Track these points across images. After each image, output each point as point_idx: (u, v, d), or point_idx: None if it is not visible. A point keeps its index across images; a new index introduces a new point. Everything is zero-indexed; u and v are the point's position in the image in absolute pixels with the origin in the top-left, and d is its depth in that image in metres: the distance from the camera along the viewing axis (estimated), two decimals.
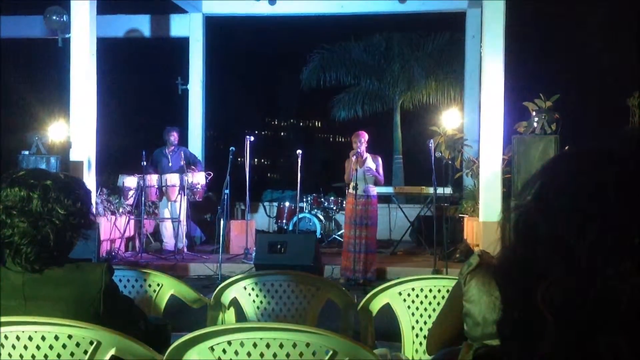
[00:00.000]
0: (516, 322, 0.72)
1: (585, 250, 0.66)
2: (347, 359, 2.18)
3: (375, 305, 3.48)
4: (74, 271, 2.20)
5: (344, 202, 8.68)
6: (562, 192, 0.71)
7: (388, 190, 11.71)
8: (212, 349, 2.20)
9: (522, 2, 10.88)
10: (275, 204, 12.74)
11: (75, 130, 8.92)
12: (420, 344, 3.37)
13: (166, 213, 10.37)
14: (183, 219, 10.21)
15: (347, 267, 8.31)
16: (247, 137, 9.84)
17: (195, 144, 12.21)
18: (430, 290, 3.40)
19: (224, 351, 2.20)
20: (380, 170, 8.38)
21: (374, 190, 8.40)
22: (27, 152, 8.98)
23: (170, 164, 10.44)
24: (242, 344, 2.20)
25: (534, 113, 8.53)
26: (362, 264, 8.22)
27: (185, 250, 10.08)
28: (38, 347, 2.18)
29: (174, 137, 10.57)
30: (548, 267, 0.69)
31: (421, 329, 3.39)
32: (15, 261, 2.14)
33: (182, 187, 10.01)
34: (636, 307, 0.63)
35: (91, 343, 2.18)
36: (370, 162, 8.27)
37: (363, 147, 8.27)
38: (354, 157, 8.21)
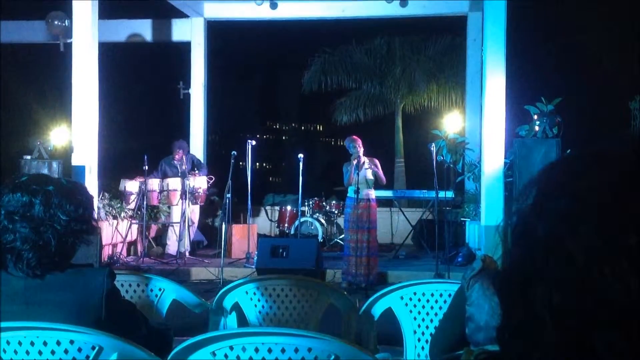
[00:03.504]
0: (515, 326, 0.73)
1: (582, 250, 0.66)
2: None
3: (377, 310, 3.48)
4: (75, 276, 2.20)
5: (345, 206, 8.65)
6: (558, 194, 0.71)
7: (387, 194, 11.72)
8: (213, 353, 2.20)
9: (523, 6, 10.89)
10: (277, 208, 12.75)
11: (77, 135, 8.93)
12: (423, 348, 3.36)
13: (176, 217, 10.37)
14: (188, 224, 10.19)
15: (350, 272, 8.30)
16: (249, 141, 9.87)
17: (197, 149, 12.21)
18: (432, 295, 3.39)
19: (226, 356, 2.20)
20: (381, 171, 8.42)
21: (373, 193, 8.44)
22: (29, 157, 9.00)
23: (180, 171, 10.38)
24: (244, 349, 2.20)
25: (535, 117, 8.54)
26: (364, 267, 8.22)
27: (187, 254, 10.09)
28: (40, 352, 2.18)
29: (178, 154, 10.45)
30: (546, 268, 0.69)
31: (423, 334, 3.38)
32: (17, 266, 2.14)
33: (183, 192, 10.01)
34: (634, 306, 0.64)
35: (93, 348, 2.18)
36: (367, 165, 8.29)
37: (362, 151, 8.29)
38: (355, 161, 8.22)
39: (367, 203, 8.29)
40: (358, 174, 8.13)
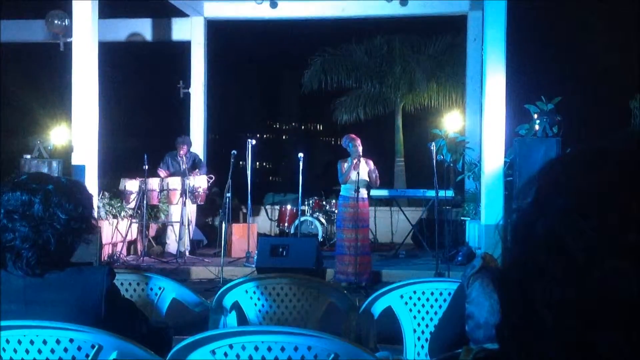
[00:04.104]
0: (515, 324, 0.72)
1: (582, 248, 0.66)
2: None
3: (377, 309, 3.48)
4: (75, 275, 2.20)
5: (339, 206, 8.61)
6: (559, 192, 0.71)
7: (387, 193, 11.73)
8: (213, 352, 2.20)
9: (523, 5, 10.89)
10: (277, 207, 12.74)
11: (77, 134, 8.93)
12: (422, 347, 3.36)
13: (175, 216, 10.36)
14: (186, 223, 10.19)
15: (347, 271, 8.29)
16: (249, 140, 9.87)
17: (198, 148, 12.21)
18: (432, 293, 3.39)
19: (226, 355, 2.20)
20: (376, 173, 8.43)
21: (366, 193, 8.44)
22: (29, 156, 9.00)
23: (182, 169, 10.40)
24: (243, 348, 2.20)
25: (535, 116, 8.54)
26: (363, 266, 8.22)
27: (187, 254, 10.08)
28: (40, 351, 2.18)
29: (182, 150, 10.48)
30: (546, 266, 0.69)
31: (423, 332, 3.38)
32: (16, 265, 2.14)
33: (183, 191, 10.01)
34: (635, 305, 0.63)
35: (93, 347, 2.18)
36: (364, 166, 8.29)
37: (361, 149, 8.29)
38: (356, 160, 8.21)
39: (362, 202, 8.29)
40: (358, 173, 8.13)
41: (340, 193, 8.54)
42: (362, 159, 8.29)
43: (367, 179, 8.33)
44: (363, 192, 8.29)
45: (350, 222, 8.28)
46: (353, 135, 8.46)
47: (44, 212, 2.13)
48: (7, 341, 2.17)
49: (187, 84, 12.47)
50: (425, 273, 8.18)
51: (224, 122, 22.52)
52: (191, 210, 10.41)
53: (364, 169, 8.27)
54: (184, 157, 10.45)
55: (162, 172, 10.35)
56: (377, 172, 8.41)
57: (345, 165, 8.32)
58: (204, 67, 12.49)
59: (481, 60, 10.10)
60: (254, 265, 8.81)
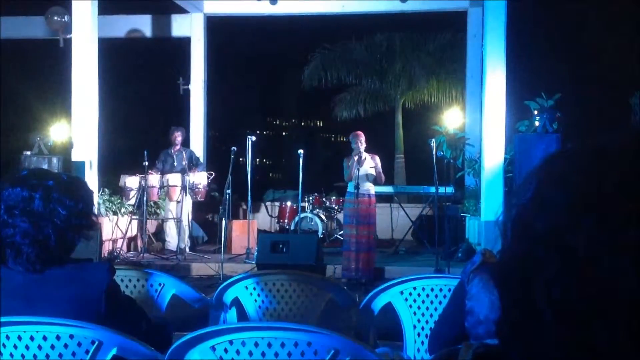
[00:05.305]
0: (515, 320, 0.72)
1: (582, 244, 0.66)
2: (349, 359, 2.18)
3: (377, 305, 3.48)
4: (75, 271, 2.20)
5: (345, 202, 8.64)
6: (559, 187, 0.71)
7: (387, 189, 11.73)
8: (213, 348, 2.20)
9: (523, 1, 10.88)
10: (277, 203, 12.74)
11: (76, 130, 8.92)
12: (422, 343, 3.36)
13: (170, 213, 10.35)
14: (186, 219, 10.19)
15: (350, 267, 8.30)
16: (249, 137, 9.86)
17: (197, 144, 12.21)
18: (432, 290, 3.40)
19: (226, 351, 2.20)
20: (380, 169, 8.42)
21: (373, 189, 8.43)
22: (29, 153, 9.00)
23: (175, 164, 10.42)
24: (243, 344, 2.20)
25: (535, 112, 8.54)
26: (363, 263, 8.23)
27: (187, 250, 10.08)
28: (40, 347, 2.18)
29: (175, 138, 10.49)
30: (545, 262, 0.69)
31: (423, 329, 3.38)
32: (16, 261, 2.14)
33: (183, 188, 10.00)
34: (635, 301, 0.63)
35: (93, 342, 2.18)
36: (369, 162, 8.28)
37: (363, 147, 8.28)
38: (357, 157, 8.22)
39: (367, 198, 8.28)
40: (359, 169, 8.13)
41: (347, 189, 8.55)
42: (368, 154, 8.29)
43: (373, 174, 8.32)
44: (366, 189, 8.26)
45: (352, 218, 8.29)
46: (357, 132, 8.47)
47: (44, 208, 2.13)
48: (7, 337, 2.17)
49: (187, 81, 12.45)
50: (425, 269, 8.18)
51: (223, 118, 22.52)
52: (188, 206, 10.37)
53: (368, 164, 8.26)
54: (183, 153, 10.44)
55: (154, 176, 10.23)
56: (379, 169, 8.41)
57: (350, 162, 8.34)
58: (204, 64, 12.48)
59: (481, 57, 10.08)
60: (254, 262, 8.80)
